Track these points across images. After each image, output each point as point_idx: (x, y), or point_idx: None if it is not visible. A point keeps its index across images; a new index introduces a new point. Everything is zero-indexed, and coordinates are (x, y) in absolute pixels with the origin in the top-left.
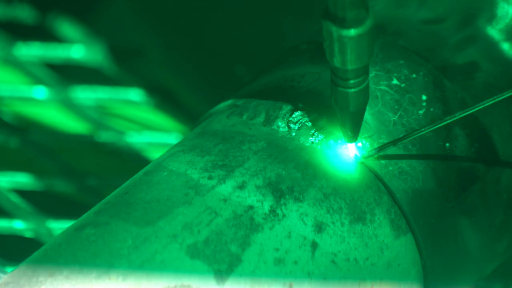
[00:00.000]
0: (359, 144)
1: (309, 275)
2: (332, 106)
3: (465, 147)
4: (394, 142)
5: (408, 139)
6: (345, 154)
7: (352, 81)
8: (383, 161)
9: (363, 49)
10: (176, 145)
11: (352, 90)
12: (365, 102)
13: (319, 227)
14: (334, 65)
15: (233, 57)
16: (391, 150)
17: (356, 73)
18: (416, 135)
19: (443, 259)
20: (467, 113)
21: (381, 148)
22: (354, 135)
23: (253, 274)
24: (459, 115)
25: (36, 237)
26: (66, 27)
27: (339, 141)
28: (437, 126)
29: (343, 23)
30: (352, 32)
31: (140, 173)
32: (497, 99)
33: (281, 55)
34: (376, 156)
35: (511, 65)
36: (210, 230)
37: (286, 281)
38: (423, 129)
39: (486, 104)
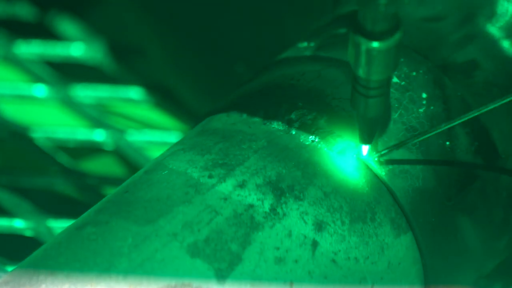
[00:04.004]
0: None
1: (310, 274)
2: (351, 110)
3: (465, 145)
4: (399, 145)
5: (415, 140)
6: (346, 152)
7: (373, 91)
8: (383, 160)
9: (390, 61)
10: (176, 143)
11: (373, 99)
12: (384, 110)
13: (320, 226)
14: (358, 75)
15: (233, 55)
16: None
17: (380, 83)
18: (421, 138)
19: (443, 257)
20: (472, 116)
21: (388, 149)
22: (369, 138)
23: (254, 273)
24: (464, 118)
25: (36, 236)
26: (66, 25)
27: (339, 140)
28: (442, 129)
29: (373, 36)
30: (382, 45)
31: (140, 171)
32: (501, 102)
33: (281, 53)
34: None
35: (511, 63)
36: (210, 229)
37: (287, 280)
38: (431, 131)
39: (491, 107)
